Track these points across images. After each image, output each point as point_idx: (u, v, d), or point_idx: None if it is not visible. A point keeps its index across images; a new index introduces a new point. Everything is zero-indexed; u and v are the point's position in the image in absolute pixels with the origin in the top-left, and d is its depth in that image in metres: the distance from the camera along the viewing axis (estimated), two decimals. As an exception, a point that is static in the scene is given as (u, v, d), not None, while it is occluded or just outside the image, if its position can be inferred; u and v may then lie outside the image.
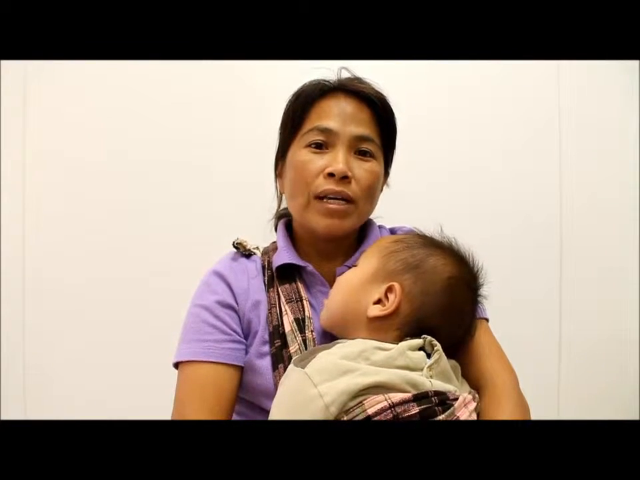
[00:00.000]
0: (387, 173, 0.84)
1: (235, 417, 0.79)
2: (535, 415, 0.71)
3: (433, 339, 0.65)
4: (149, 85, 1.42)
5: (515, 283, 1.36)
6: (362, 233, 0.83)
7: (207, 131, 1.42)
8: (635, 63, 1.36)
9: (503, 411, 0.65)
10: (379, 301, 0.68)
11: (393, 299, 0.66)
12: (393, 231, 0.86)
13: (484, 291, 0.73)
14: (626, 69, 1.42)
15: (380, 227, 0.86)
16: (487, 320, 0.78)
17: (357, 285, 0.70)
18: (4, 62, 1.35)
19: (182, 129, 1.41)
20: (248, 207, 1.28)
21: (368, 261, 0.71)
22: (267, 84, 1.36)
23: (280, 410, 0.62)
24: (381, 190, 0.83)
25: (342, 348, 0.63)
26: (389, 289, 0.67)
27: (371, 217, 0.83)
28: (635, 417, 1.35)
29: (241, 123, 1.41)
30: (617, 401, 1.39)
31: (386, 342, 0.64)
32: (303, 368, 0.61)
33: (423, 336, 0.65)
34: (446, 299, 0.67)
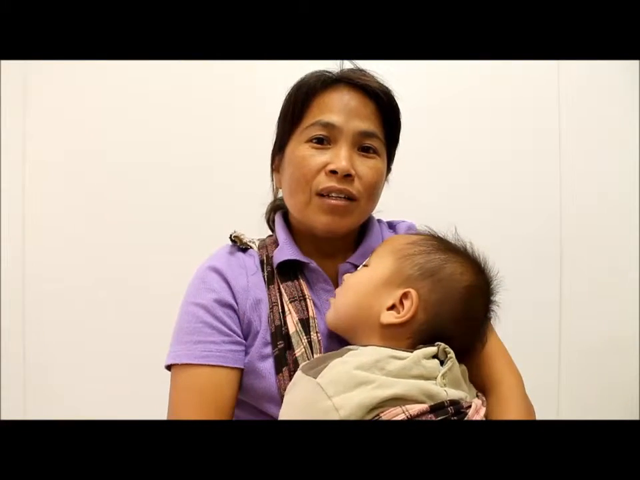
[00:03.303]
0: (388, 170, 0.81)
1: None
2: (534, 415, 0.71)
3: (447, 347, 0.63)
4: (149, 84, 1.42)
5: (514, 282, 1.35)
6: (362, 228, 0.80)
7: (206, 130, 1.42)
8: (635, 62, 1.36)
9: (509, 413, 0.64)
10: (392, 307, 0.65)
11: (409, 306, 0.64)
12: (391, 225, 0.84)
13: (498, 297, 0.72)
14: (626, 69, 1.42)
15: (378, 220, 0.84)
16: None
17: (370, 287, 0.67)
18: (4, 62, 1.35)
19: (181, 128, 1.42)
20: (246, 207, 1.28)
21: (381, 262, 0.68)
22: (267, 84, 1.36)
23: None
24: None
25: (356, 356, 0.60)
26: (405, 296, 0.64)
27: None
28: (635, 417, 1.35)
29: (241, 122, 1.41)
30: (617, 400, 1.39)
31: (399, 349, 0.62)
32: (315, 377, 0.58)
33: (437, 343, 0.63)
34: (463, 308, 0.65)
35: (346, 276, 0.72)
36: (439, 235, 0.73)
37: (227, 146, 1.41)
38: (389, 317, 0.64)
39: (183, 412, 0.68)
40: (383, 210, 0.84)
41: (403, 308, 0.64)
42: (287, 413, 0.61)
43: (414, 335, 0.64)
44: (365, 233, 0.80)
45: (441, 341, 0.63)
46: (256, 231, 0.85)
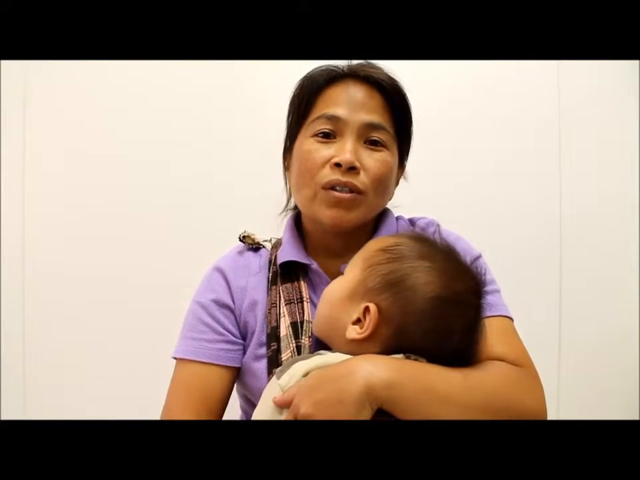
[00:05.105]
0: (402, 165, 0.79)
1: (240, 413, 0.80)
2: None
3: (418, 357, 0.60)
4: (149, 85, 1.42)
5: (514, 282, 1.35)
6: (377, 225, 0.77)
7: (207, 130, 1.41)
8: (635, 62, 1.36)
9: (484, 366, 0.63)
10: (358, 320, 0.62)
11: (368, 322, 0.61)
12: (412, 222, 0.81)
13: (487, 298, 0.66)
14: (626, 69, 1.42)
15: (398, 217, 0.81)
16: (509, 317, 0.73)
17: (338, 299, 0.65)
18: (4, 62, 1.35)
19: (182, 128, 1.41)
20: (254, 202, 1.28)
21: (351, 271, 0.66)
22: (267, 84, 1.36)
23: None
24: (397, 183, 0.79)
25: (319, 359, 0.61)
26: (367, 310, 0.61)
27: (389, 207, 0.80)
28: (635, 417, 1.35)
29: (242, 121, 1.41)
30: (617, 401, 1.39)
31: None
32: (278, 379, 0.60)
33: (407, 355, 0.60)
34: (429, 321, 0.60)
35: (333, 281, 0.70)
36: (422, 236, 0.68)
37: (231, 145, 1.41)
38: (352, 333, 0.62)
39: (173, 404, 0.71)
40: (399, 205, 0.82)
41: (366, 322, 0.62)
42: (255, 414, 0.64)
43: (382, 349, 0.61)
44: (377, 232, 0.77)
45: (413, 354, 0.61)
46: (270, 230, 0.84)
